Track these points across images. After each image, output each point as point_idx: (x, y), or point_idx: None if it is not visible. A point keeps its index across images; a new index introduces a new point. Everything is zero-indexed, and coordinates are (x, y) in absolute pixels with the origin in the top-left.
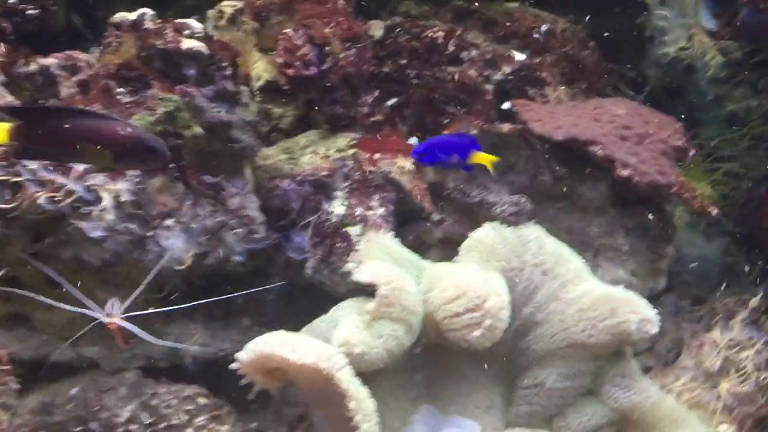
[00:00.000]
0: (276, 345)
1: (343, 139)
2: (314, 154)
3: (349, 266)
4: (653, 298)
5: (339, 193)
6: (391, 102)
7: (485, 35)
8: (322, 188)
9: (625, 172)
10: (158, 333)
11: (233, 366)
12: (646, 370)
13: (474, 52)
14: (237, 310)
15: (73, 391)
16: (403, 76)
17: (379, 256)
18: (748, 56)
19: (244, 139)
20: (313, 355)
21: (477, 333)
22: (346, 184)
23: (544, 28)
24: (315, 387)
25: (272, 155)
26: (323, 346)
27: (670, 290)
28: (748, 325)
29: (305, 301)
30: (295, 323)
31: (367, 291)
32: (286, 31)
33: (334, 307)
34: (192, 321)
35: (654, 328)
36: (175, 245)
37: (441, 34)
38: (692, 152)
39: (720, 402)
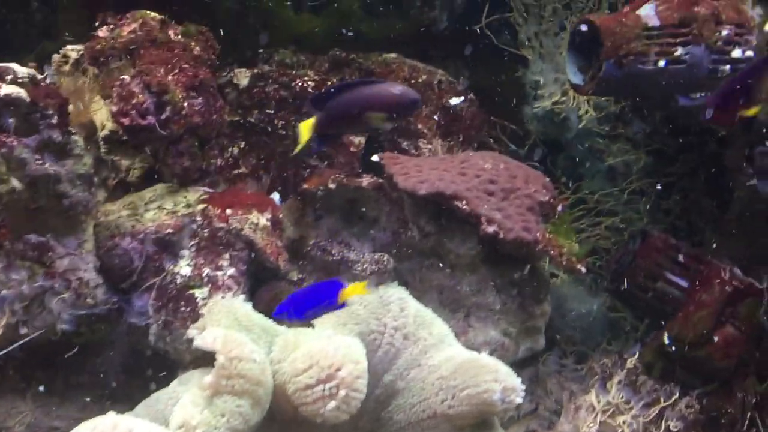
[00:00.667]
0: None
1: (194, 194)
2: (159, 209)
3: (190, 332)
4: (533, 358)
5: (185, 252)
6: (236, 151)
7: None
8: (166, 247)
9: (490, 229)
10: None
11: None
12: None
13: None
14: (76, 384)
15: None
16: (272, 127)
17: (225, 322)
18: (624, 111)
19: (75, 194)
20: None
21: (331, 406)
22: (194, 242)
23: (454, 101)
24: None
25: (114, 211)
26: None
27: (552, 347)
28: (625, 387)
29: (152, 371)
30: (142, 397)
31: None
32: (122, 77)
33: (176, 380)
34: (21, 398)
35: (518, 398)
36: None
37: (311, 83)
38: (560, 208)
39: None
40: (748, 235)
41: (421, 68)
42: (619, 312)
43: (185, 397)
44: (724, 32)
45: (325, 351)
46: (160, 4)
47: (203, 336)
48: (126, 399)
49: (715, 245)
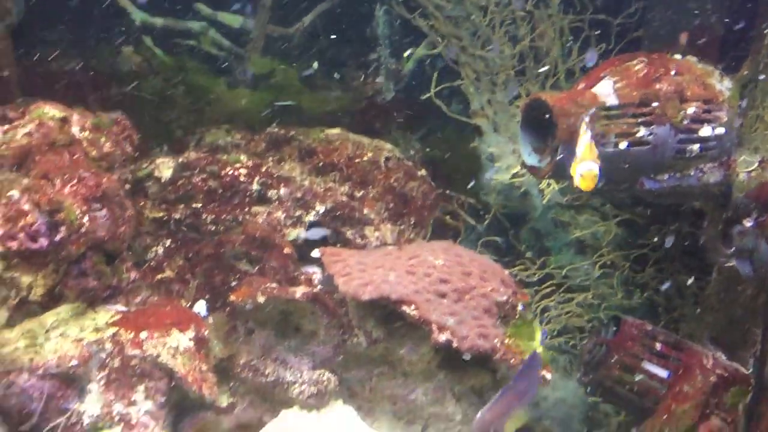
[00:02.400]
0: None
1: (104, 315)
2: (62, 337)
3: None
4: None
5: (93, 387)
6: (161, 251)
7: (302, 165)
8: (70, 382)
9: (442, 337)
10: None
11: None
12: None
13: (284, 190)
14: None
15: None
16: (199, 223)
17: None
18: None
19: None
20: None
21: None
22: (102, 374)
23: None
24: None
25: (11, 340)
26: None
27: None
28: None
29: None
30: None
31: None
32: (10, 193)
33: None
34: None
35: None
36: None
37: (243, 171)
38: (521, 306)
39: None
40: (729, 315)
41: (366, 144)
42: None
43: None
44: (690, 110)
45: None
46: (78, 89)
47: None
48: None
49: (695, 322)
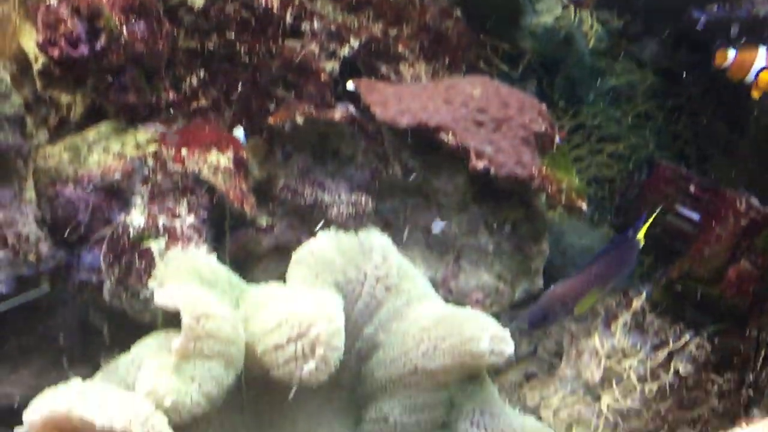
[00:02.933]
0: (74, 403)
1: (144, 133)
2: (105, 152)
3: (149, 290)
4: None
5: (137, 200)
6: (195, 82)
7: (334, 2)
8: (115, 194)
9: (480, 164)
10: None
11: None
12: (529, 377)
13: (317, 24)
14: (29, 348)
15: None
16: (233, 54)
17: (186, 276)
18: (629, 26)
19: (3, 140)
20: (124, 418)
21: (308, 367)
22: (146, 188)
23: None
24: None
25: (55, 154)
26: (138, 406)
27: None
28: (632, 330)
29: (110, 330)
30: (101, 358)
31: (178, 321)
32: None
33: (136, 344)
34: None
35: (508, 348)
36: None
37: (276, 2)
38: (559, 139)
39: (602, 418)
40: (765, 161)
41: None
42: None
43: (151, 363)
44: None
45: (296, 307)
46: None
47: (164, 293)
48: (84, 360)
49: (727, 172)
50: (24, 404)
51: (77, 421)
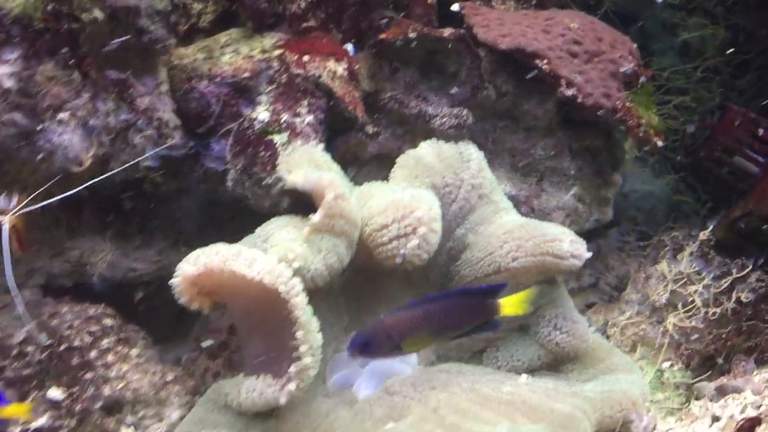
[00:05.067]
0: (229, 258)
1: (269, 39)
2: (235, 53)
3: (279, 172)
4: (598, 230)
5: (263, 98)
6: (303, 4)
7: None
8: (243, 91)
9: (569, 92)
10: (61, 248)
11: (174, 280)
12: (590, 306)
13: None
14: (152, 229)
15: None
16: None
17: (305, 167)
18: None
19: (154, 31)
20: (272, 275)
21: (411, 244)
22: (271, 87)
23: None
24: (258, 309)
25: (188, 54)
26: (281, 266)
27: (615, 225)
28: (697, 259)
29: (229, 217)
30: (219, 241)
31: (294, 205)
32: None
33: (262, 225)
34: (101, 238)
35: (586, 252)
36: (70, 142)
37: None
38: (643, 78)
39: (666, 337)
40: None
41: None
42: (683, 196)
43: (281, 234)
44: None
45: (400, 196)
46: None
47: (303, 174)
48: (201, 245)
49: None
50: (145, 277)
51: (228, 274)
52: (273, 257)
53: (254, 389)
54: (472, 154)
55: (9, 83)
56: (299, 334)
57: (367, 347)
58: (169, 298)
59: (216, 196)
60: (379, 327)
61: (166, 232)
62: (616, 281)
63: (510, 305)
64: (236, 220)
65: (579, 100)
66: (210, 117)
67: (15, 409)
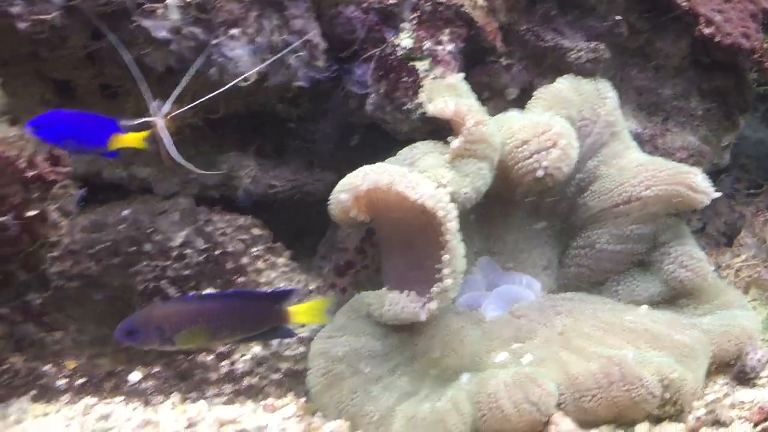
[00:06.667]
0: (396, 178)
1: None
2: None
3: (421, 98)
4: (711, 175)
5: (406, 25)
6: None
7: None
8: (388, 18)
9: (707, 30)
10: (211, 162)
11: (341, 195)
12: None
13: None
14: (288, 150)
15: (125, 212)
16: None
17: (446, 95)
18: None
19: None
20: (433, 199)
21: (551, 156)
22: (415, 15)
23: None
24: (409, 229)
25: None
26: (441, 192)
27: (725, 171)
28: None
29: (362, 141)
30: (349, 165)
31: (432, 131)
32: None
33: (406, 148)
34: (245, 155)
35: (713, 192)
36: (240, 57)
37: None
38: None
39: None
40: None
41: None
42: None
43: (428, 160)
44: None
45: (538, 117)
46: None
47: (444, 102)
48: (333, 168)
49: None
50: (281, 194)
51: (392, 193)
52: (431, 182)
53: (397, 303)
54: (608, 91)
55: None
56: (446, 257)
57: (133, 336)
58: (298, 216)
59: (351, 120)
60: (149, 317)
61: (302, 152)
62: (724, 227)
63: (302, 313)
64: (367, 144)
65: (717, 39)
66: (354, 42)
67: (131, 138)
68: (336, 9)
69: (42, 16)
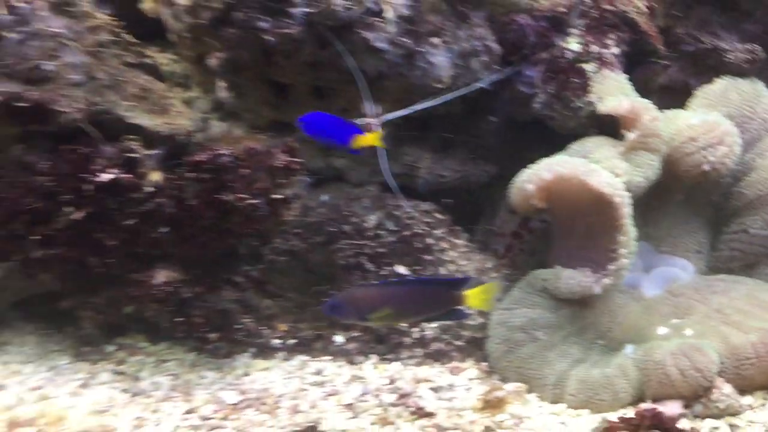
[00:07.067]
0: (578, 169)
1: None
2: None
3: (591, 97)
4: None
5: (574, 31)
6: None
7: None
8: (558, 25)
9: None
10: (393, 155)
11: (526, 185)
12: None
13: None
14: (454, 143)
15: (324, 197)
16: None
17: (614, 94)
18: None
19: None
20: (611, 187)
21: (718, 152)
22: (582, 21)
23: None
24: (586, 213)
25: None
26: (618, 180)
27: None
28: None
29: (522, 137)
30: (510, 157)
31: (595, 126)
32: None
33: (576, 143)
34: (421, 149)
35: None
36: (442, 63)
37: None
38: None
39: None
40: None
41: None
42: None
43: (602, 152)
44: None
45: (704, 116)
46: None
47: (615, 101)
48: (494, 160)
49: None
50: (450, 183)
51: (575, 182)
52: (608, 172)
53: (573, 279)
54: (764, 90)
55: (404, 11)
56: (622, 238)
57: (337, 311)
58: (456, 204)
59: (514, 117)
60: (350, 298)
61: (468, 146)
62: None
63: (474, 297)
64: (524, 139)
65: None
66: (524, 46)
67: (370, 138)
68: (509, 17)
69: (286, 31)
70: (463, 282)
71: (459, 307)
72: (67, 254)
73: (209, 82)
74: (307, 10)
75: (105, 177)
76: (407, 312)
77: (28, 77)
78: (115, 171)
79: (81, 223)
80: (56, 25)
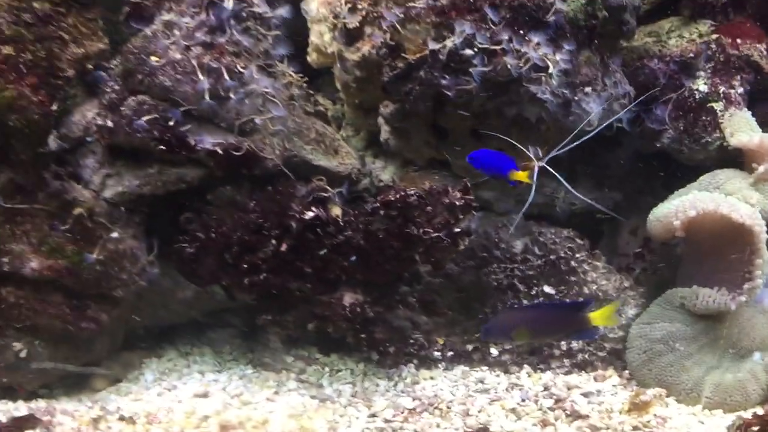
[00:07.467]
0: (720, 204)
1: (703, 26)
2: (680, 37)
3: (720, 134)
4: None
5: (701, 73)
6: None
7: None
8: (686, 68)
9: None
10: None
11: (674, 223)
12: None
13: None
14: (583, 173)
15: (473, 224)
16: None
17: (743, 129)
18: None
19: (630, 22)
20: (751, 218)
21: None
22: (710, 65)
23: None
24: (723, 240)
25: (638, 39)
26: (755, 211)
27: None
28: None
29: (644, 168)
30: (636, 188)
31: (722, 159)
32: None
33: (706, 175)
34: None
35: None
36: (593, 109)
37: None
38: None
39: None
40: None
41: None
42: None
43: (733, 184)
44: None
45: None
46: None
47: (746, 136)
48: (619, 188)
49: None
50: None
51: (717, 216)
52: (744, 203)
53: (710, 297)
54: None
55: (564, 65)
56: (758, 261)
57: (489, 334)
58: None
59: (640, 150)
60: (498, 323)
61: (594, 175)
62: None
63: (600, 318)
64: (648, 170)
65: None
66: (653, 87)
67: (522, 174)
68: (641, 62)
69: (465, 87)
70: (586, 304)
71: (591, 328)
72: (272, 280)
73: (364, 124)
74: (485, 69)
75: (309, 214)
76: (541, 332)
77: (242, 129)
78: (316, 209)
79: (284, 253)
80: (264, 84)
